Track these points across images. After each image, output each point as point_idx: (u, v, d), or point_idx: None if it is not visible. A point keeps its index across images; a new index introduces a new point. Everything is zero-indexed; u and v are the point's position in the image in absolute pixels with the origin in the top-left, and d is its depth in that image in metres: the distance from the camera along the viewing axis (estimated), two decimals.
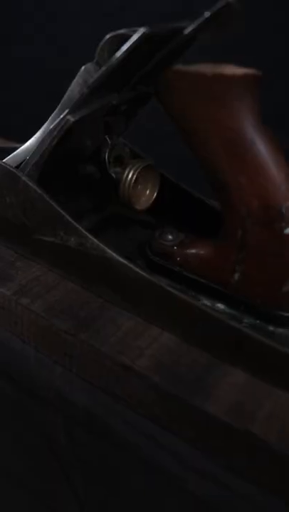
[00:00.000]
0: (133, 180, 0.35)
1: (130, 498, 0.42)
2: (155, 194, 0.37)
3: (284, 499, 0.31)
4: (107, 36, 0.32)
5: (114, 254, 0.33)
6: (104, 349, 0.33)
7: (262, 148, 0.30)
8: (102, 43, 0.32)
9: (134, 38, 0.28)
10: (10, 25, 1.04)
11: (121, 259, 0.33)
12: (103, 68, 0.30)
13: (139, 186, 0.37)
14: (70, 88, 0.35)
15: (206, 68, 0.29)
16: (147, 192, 0.37)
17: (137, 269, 0.33)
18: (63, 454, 0.43)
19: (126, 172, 0.35)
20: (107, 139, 0.36)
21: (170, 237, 0.36)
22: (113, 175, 0.36)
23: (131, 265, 0.33)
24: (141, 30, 0.28)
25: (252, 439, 0.29)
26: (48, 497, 0.50)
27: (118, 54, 0.29)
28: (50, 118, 0.36)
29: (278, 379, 0.31)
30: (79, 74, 0.34)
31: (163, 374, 0.31)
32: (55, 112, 0.36)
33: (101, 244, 0.34)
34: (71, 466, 0.44)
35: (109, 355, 0.33)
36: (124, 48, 0.29)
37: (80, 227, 0.34)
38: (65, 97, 0.35)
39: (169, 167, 0.42)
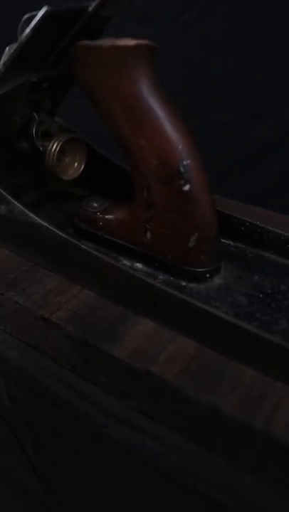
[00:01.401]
0: (57, 151, 0.38)
1: (73, 456, 0.44)
2: (83, 165, 0.40)
3: (191, 439, 0.33)
4: (25, 17, 0.35)
5: (36, 218, 0.36)
6: (28, 305, 0.36)
7: (159, 112, 0.32)
8: (21, 23, 0.35)
9: (38, 16, 0.32)
10: (9, 25, 1.09)
11: (42, 222, 0.36)
12: (14, 46, 0.33)
13: (67, 159, 0.40)
14: None
15: (106, 42, 0.32)
16: (75, 164, 0.40)
17: (56, 230, 0.35)
18: (11, 420, 0.45)
19: (50, 144, 0.38)
20: (35, 115, 0.39)
21: (95, 204, 0.39)
22: (41, 148, 0.39)
23: (51, 227, 0.36)
24: (43, 9, 0.31)
25: (153, 379, 0.31)
26: (10, 471, 0.53)
27: (26, 31, 0.32)
28: None
29: (184, 328, 0.33)
30: (4, 54, 0.37)
31: (77, 324, 0.34)
32: None
33: (25, 210, 0.36)
34: (20, 431, 0.46)
35: (32, 310, 0.35)
36: (31, 25, 0.32)
37: (7, 194, 0.37)
38: None
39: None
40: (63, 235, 0.36)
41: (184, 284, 0.35)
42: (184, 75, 0.90)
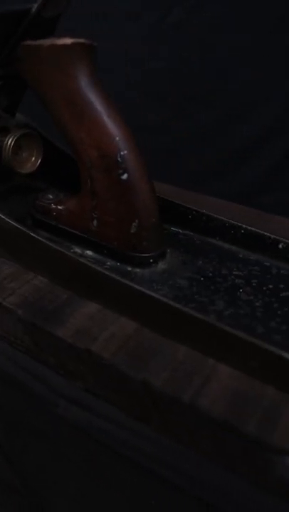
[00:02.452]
0: (12, 146, 0.40)
1: (40, 441, 0.46)
2: (40, 159, 0.42)
3: (131, 415, 0.34)
4: None
5: None
6: None
7: (98, 107, 0.34)
8: None
9: None
10: None
11: None
12: None
13: (24, 153, 0.42)
14: None
15: (46, 41, 0.34)
16: (33, 158, 0.42)
17: (11, 221, 0.38)
18: None
19: (6, 139, 0.40)
20: None
21: (50, 196, 0.41)
22: None
23: (6, 218, 0.38)
24: None
25: (92, 358, 0.33)
26: None
27: None
28: None
29: (126, 309, 0.35)
30: None
31: (27, 308, 0.36)
32: None
33: None
34: None
35: None
36: None
37: None
38: None
39: None
40: (18, 226, 0.38)
41: (129, 269, 0.37)
42: (175, 74, 0.91)
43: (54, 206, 0.40)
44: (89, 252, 0.39)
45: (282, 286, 0.36)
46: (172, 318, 0.33)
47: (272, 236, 0.38)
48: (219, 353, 0.32)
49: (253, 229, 0.38)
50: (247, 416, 0.29)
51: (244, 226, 0.39)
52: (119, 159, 0.34)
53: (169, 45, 0.92)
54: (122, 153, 0.34)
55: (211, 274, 0.37)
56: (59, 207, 0.40)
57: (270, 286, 0.36)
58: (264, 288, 0.36)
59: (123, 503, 0.39)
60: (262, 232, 0.38)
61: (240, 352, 0.31)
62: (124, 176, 0.34)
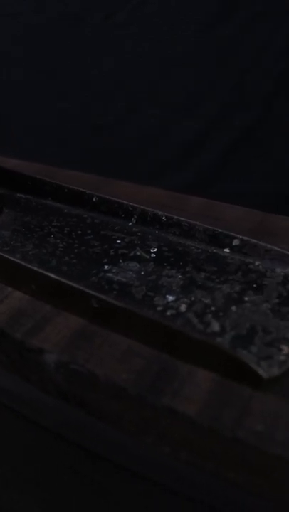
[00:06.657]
0: None
1: None
2: None
3: None
4: None
5: None
6: None
7: None
8: None
9: None
10: None
11: None
12: None
13: None
14: None
15: None
16: None
17: None
18: None
19: None
20: None
21: None
22: None
23: None
24: None
25: None
26: None
27: None
28: None
29: None
30: None
31: None
32: None
33: None
34: None
35: None
36: None
37: None
38: None
39: None
40: None
41: None
42: (120, 72, 0.99)
43: None
44: None
45: (89, 231, 0.43)
46: None
47: (88, 192, 0.44)
48: (13, 282, 0.38)
49: (74, 187, 0.45)
50: (19, 326, 0.35)
51: (66, 186, 0.45)
52: None
53: (113, 46, 0.99)
54: None
55: (32, 226, 0.44)
56: None
57: (79, 232, 0.43)
58: (73, 234, 0.42)
59: None
60: (79, 189, 0.45)
61: (24, 278, 0.37)
62: None
